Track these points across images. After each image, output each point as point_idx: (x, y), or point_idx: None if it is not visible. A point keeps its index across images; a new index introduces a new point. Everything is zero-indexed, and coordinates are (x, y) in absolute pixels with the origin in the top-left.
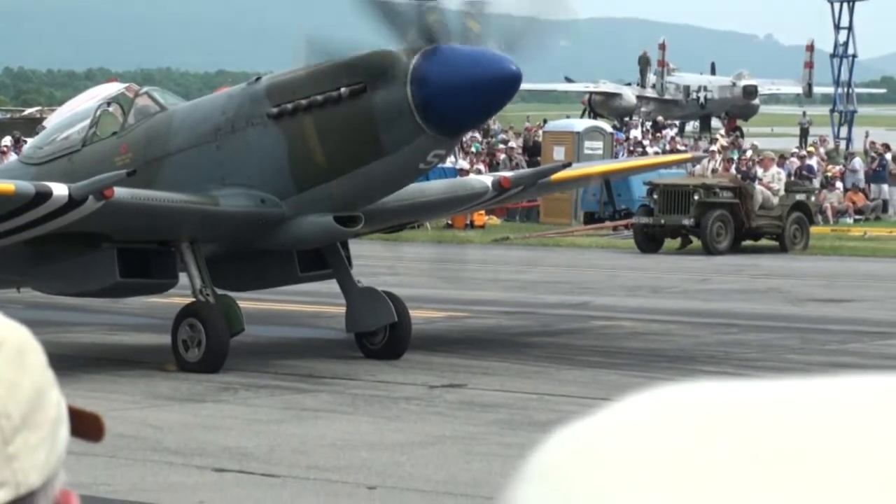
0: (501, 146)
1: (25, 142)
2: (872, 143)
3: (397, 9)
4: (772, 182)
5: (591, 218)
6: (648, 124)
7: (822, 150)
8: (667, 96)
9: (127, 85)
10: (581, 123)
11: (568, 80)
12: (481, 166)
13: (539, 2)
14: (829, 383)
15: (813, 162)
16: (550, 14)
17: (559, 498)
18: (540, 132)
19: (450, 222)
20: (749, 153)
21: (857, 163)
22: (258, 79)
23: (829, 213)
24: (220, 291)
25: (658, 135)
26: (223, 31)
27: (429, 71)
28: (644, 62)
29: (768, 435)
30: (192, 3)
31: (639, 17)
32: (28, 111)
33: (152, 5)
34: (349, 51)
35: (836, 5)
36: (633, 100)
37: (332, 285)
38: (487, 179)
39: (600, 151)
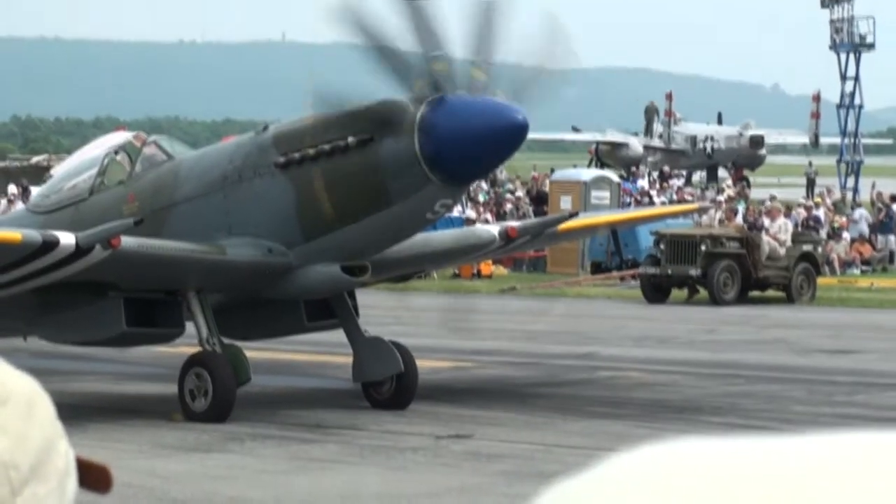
0: (508, 195)
1: (32, 190)
2: (879, 193)
3: (404, 58)
4: (779, 233)
5: (598, 268)
6: (655, 174)
7: (828, 201)
8: (673, 146)
9: (134, 133)
10: (588, 173)
11: (575, 129)
12: (488, 216)
13: (546, 52)
14: (823, 440)
15: (820, 213)
16: (558, 64)
17: None
18: (547, 181)
19: (456, 272)
20: (767, 203)
21: (860, 214)
22: (266, 128)
23: (836, 263)
24: (226, 341)
25: (665, 185)
26: (230, 80)
27: (436, 120)
28: (651, 112)
29: (761, 495)
30: (199, 53)
31: (646, 66)
32: (35, 159)
33: (160, 54)
34: (356, 100)
35: (843, 56)
36: (640, 150)
37: (338, 335)
38: (494, 229)
39: (607, 201)
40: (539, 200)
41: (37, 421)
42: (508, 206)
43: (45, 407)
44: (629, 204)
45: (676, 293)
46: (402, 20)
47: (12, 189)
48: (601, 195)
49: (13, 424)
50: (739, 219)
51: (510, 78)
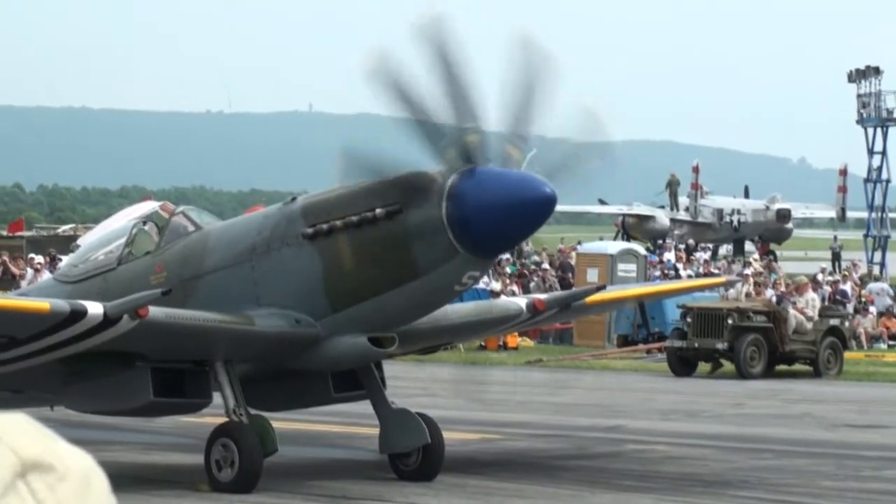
0: (534, 267)
1: (60, 259)
2: None
3: (437, 127)
4: (806, 307)
5: (624, 341)
6: (682, 247)
7: (855, 275)
8: (700, 219)
9: (161, 203)
10: (615, 246)
11: (601, 202)
12: (515, 288)
13: (583, 129)
14: None
15: (846, 287)
16: (594, 141)
17: None
18: (573, 254)
19: (483, 344)
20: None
21: (880, 287)
22: (293, 199)
23: (863, 338)
24: (253, 411)
25: (691, 258)
26: (257, 150)
27: (464, 192)
28: (674, 184)
29: None
30: (226, 123)
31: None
32: (62, 229)
33: (187, 124)
34: (384, 169)
35: (870, 130)
36: (667, 222)
37: (365, 406)
38: (522, 301)
39: (634, 274)
40: (565, 273)
41: (93, 496)
42: (534, 279)
43: (101, 482)
44: (656, 277)
45: (703, 366)
46: (436, 88)
47: (38, 259)
48: (628, 268)
49: (71, 501)
50: (770, 292)
51: (546, 154)
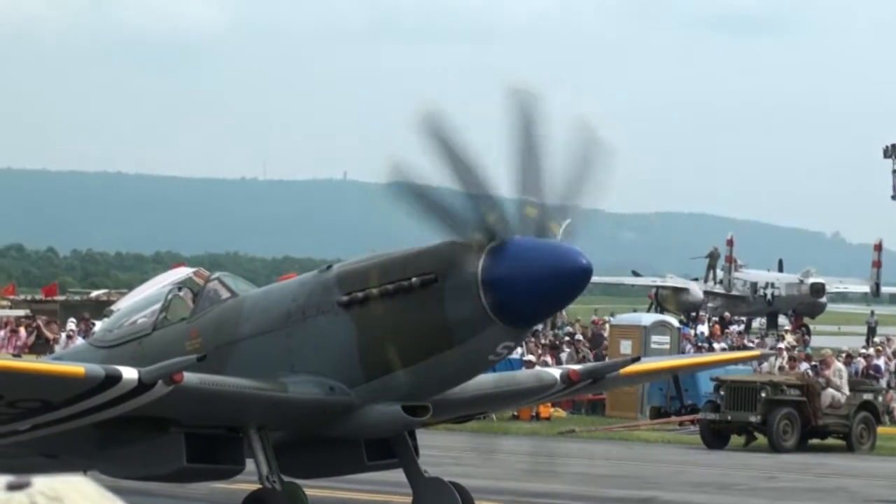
0: (568, 338)
1: (94, 324)
2: None
3: (457, 215)
4: (833, 376)
5: (657, 412)
6: (715, 320)
7: (888, 350)
8: (734, 292)
9: (196, 270)
10: (648, 318)
11: (635, 273)
12: (548, 358)
13: (601, 193)
14: None
15: (880, 362)
16: (614, 207)
17: None
18: (607, 325)
19: (515, 413)
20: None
21: None
22: (329, 266)
23: None
24: (286, 478)
25: (725, 331)
26: (290, 217)
27: (500, 262)
28: (713, 258)
29: None
30: (260, 190)
31: (706, 212)
32: (95, 293)
33: (221, 190)
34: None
35: None
36: (701, 295)
37: (398, 474)
38: (556, 372)
39: (667, 346)
40: (598, 344)
41: None
42: (568, 350)
43: None
44: (689, 349)
45: (736, 439)
46: (448, 174)
47: (71, 325)
48: (661, 340)
49: None
50: (804, 366)
51: (564, 218)
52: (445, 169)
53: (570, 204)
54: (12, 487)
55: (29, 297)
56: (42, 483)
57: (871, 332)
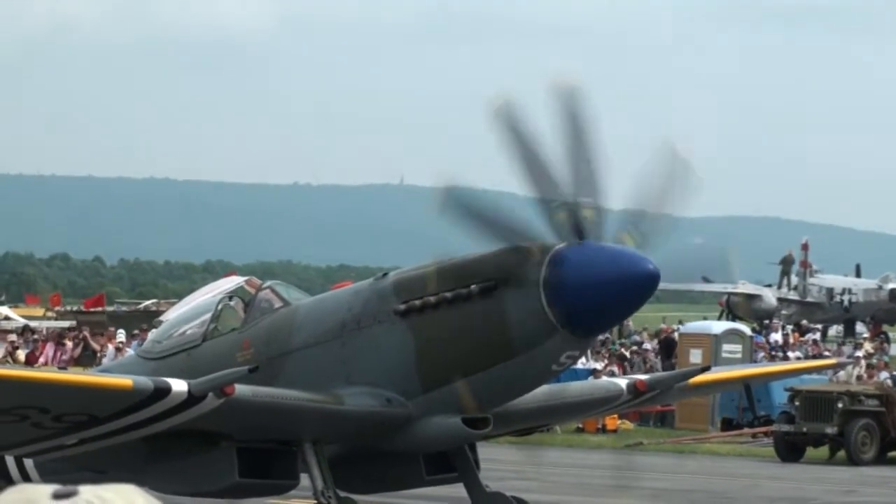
0: (636, 347)
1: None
2: None
3: (549, 192)
4: None
5: (729, 424)
6: (790, 327)
7: None
8: (809, 299)
9: (247, 278)
10: (719, 326)
11: (705, 280)
12: (615, 368)
13: (664, 195)
14: None
15: None
16: (684, 210)
17: None
18: (676, 334)
19: (581, 426)
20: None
21: None
22: (385, 274)
23: None
24: (342, 494)
25: (800, 339)
26: (345, 224)
27: (563, 269)
28: (787, 263)
29: None
30: (314, 196)
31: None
32: (144, 304)
33: (273, 197)
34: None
35: None
36: (774, 302)
37: (458, 489)
38: (622, 382)
39: (739, 355)
40: (667, 353)
41: None
42: (635, 359)
43: None
44: (762, 358)
45: (812, 452)
46: (519, 171)
47: (121, 337)
48: (733, 349)
49: None
50: (883, 375)
51: (633, 223)
52: (517, 165)
53: (647, 214)
54: (58, 496)
55: (75, 308)
56: (89, 491)
57: None
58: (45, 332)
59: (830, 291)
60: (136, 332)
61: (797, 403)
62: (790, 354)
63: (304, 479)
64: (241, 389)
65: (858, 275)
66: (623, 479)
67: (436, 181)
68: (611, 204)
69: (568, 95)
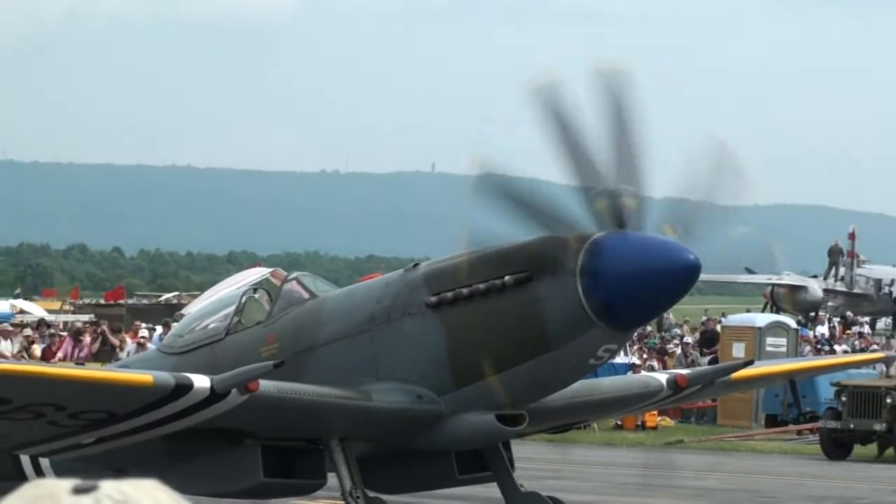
0: (676, 341)
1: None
2: None
3: (589, 178)
4: None
5: (773, 421)
6: (836, 320)
7: None
8: (856, 290)
9: (273, 270)
10: (763, 318)
11: (749, 271)
12: (654, 362)
13: (713, 185)
14: None
15: None
16: (727, 199)
17: None
18: (718, 327)
19: (619, 423)
20: None
21: None
22: (416, 265)
23: None
24: (371, 494)
25: (847, 332)
26: (375, 213)
27: (601, 259)
28: (836, 254)
29: None
30: (342, 183)
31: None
32: (165, 297)
33: (300, 185)
34: (514, 235)
35: None
36: (820, 293)
37: (492, 489)
38: (662, 377)
39: (784, 349)
40: (709, 344)
41: None
42: (676, 353)
43: None
44: (807, 352)
45: (859, 449)
46: (560, 155)
47: (143, 332)
48: (777, 342)
49: None
50: None
51: (675, 213)
52: (557, 150)
53: (691, 205)
54: (79, 491)
55: (93, 301)
56: (110, 486)
57: None
58: (62, 326)
59: (878, 282)
60: (156, 326)
61: (844, 399)
62: (837, 348)
63: (332, 479)
64: (265, 385)
65: None
66: (657, 478)
67: (470, 166)
68: (653, 193)
69: (613, 81)
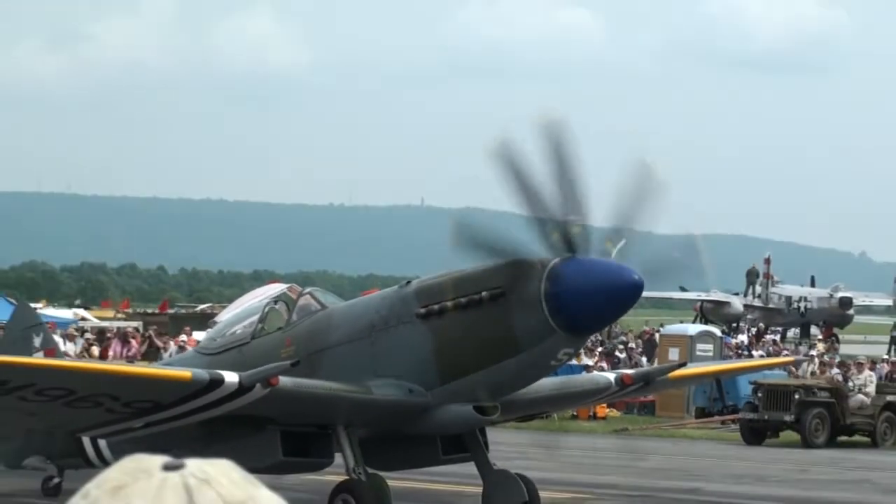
0: (622, 346)
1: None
2: None
3: (545, 216)
4: (864, 385)
5: (702, 412)
6: (753, 330)
7: None
8: (771, 305)
9: (289, 286)
10: (694, 328)
11: (682, 289)
12: (604, 364)
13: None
14: None
15: None
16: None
17: None
18: (657, 335)
19: (575, 413)
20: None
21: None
22: (408, 282)
23: None
24: (370, 470)
25: (762, 340)
26: (374, 239)
27: (562, 278)
28: (752, 275)
29: None
30: (347, 215)
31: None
32: (200, 307)
33: (312, 215)
34: (495, 245)
35: None
36: (741, 308)
37: (470, 467)
38: (611, 376)
39: (711, 353)
40: (649, 352)
41: None
42: (622, 356)
43: None
44: (730, 356)
45: (772, 437)
46: (548, 180)
47: (183, 337)
48: (706, 348)
49: None
50: (833, 371)
51: (638, 249)
52: (514, 193)
53: (625, 227)
54: (168, 468)
55: (141, 311)
56: (193, 465)
57: (894, 341)
58: (115, 331)
59: (789, 299)
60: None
61: (760, 395)
62: (754, 353)
63: (338, 458)
64: (284, 381)
65: (813, 285)
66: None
67: (450, 218)
68: (594, 220)
69: (552, 129)
